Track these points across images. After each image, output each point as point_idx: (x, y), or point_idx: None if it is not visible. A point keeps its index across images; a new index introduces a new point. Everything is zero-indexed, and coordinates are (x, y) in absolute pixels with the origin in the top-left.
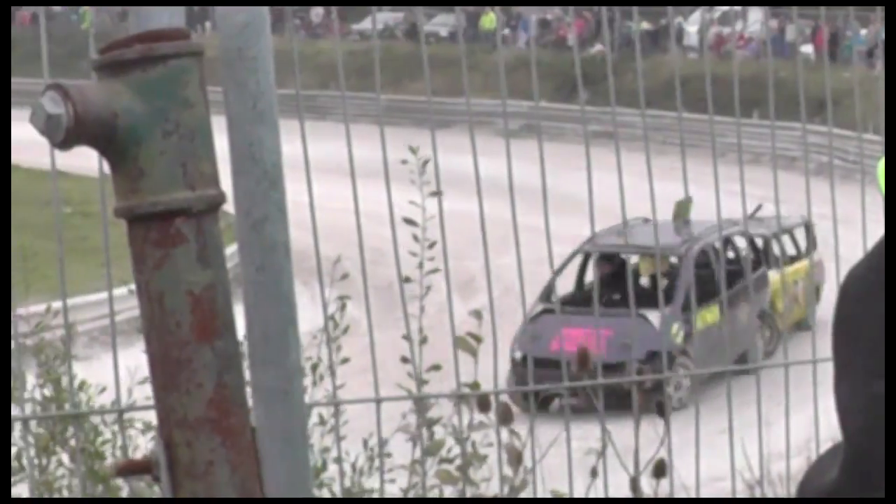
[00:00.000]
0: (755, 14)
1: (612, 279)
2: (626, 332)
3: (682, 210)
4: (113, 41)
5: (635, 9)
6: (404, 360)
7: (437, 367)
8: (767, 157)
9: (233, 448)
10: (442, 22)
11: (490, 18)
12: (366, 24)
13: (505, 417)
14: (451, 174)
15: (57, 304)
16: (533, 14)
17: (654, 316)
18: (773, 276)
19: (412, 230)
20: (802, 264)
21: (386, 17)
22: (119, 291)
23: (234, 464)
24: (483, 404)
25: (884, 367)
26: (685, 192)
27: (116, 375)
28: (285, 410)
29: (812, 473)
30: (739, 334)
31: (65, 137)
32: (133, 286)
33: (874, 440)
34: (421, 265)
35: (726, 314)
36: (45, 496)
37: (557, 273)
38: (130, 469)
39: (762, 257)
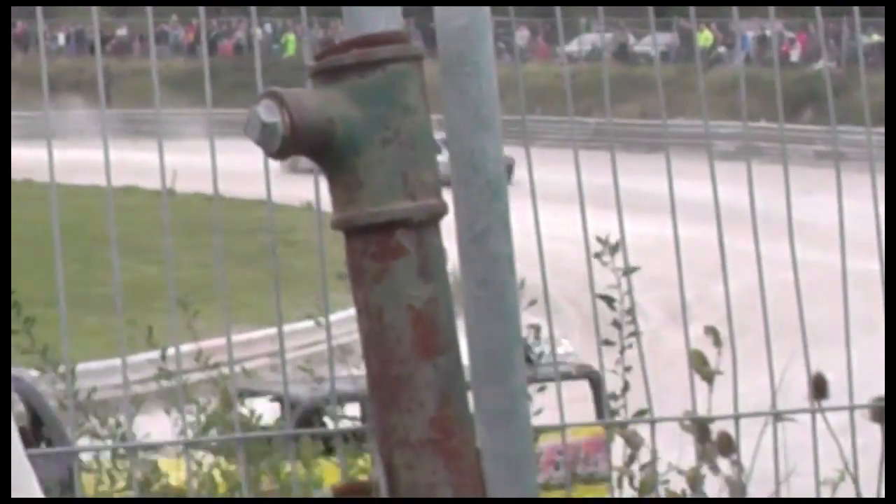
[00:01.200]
0: None
1: None
2: None
3: None
4: (329, 46)
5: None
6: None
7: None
8: None
9: (456, 470)
10: (652, 42)
11: (705, 36)
12: (572, 47)
13: (726, 447)
14: (663, 198)
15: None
16: (750, 31)
17: None
18: None
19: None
20: None
21: (593, 38)
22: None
23: (457, 487)
24: (703, 432)
25: None
26: None
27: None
28: (510, 432)
29: None
30: None
31: (280, 146)
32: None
33: None
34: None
35: None
36: None
37: None
38: (350, 491)
39: None
